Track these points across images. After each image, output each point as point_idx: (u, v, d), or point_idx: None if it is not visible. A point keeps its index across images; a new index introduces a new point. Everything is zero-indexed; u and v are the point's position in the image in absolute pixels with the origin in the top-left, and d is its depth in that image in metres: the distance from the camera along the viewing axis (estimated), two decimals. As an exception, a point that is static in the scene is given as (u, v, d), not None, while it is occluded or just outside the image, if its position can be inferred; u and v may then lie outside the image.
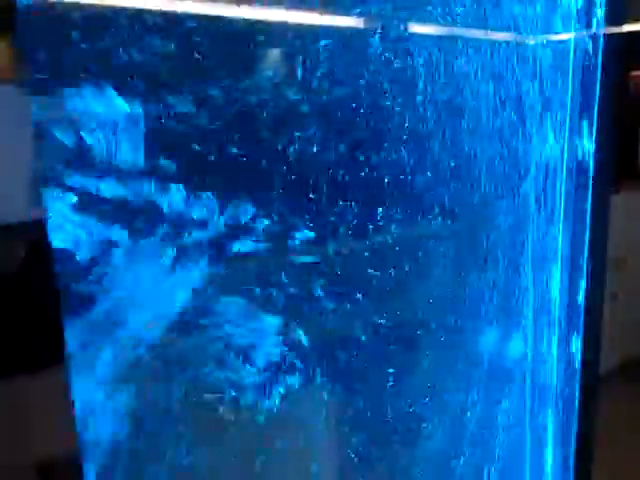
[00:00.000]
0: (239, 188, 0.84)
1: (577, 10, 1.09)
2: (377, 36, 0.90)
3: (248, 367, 0.89)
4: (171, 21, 0.74)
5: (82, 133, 0.70)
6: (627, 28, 1.08)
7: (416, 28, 0.91)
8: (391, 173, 0.96)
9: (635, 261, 2.38)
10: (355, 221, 0.94)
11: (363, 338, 1.00)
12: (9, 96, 0.64)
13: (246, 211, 0.84)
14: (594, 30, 1.07)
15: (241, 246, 0.84)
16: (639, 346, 2.38)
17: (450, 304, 1.09)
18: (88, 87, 0.69)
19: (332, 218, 0.92)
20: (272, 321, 0.90)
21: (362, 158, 0.93)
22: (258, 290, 0.87)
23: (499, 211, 1.13)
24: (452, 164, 1.04)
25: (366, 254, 0.98)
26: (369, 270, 0.98)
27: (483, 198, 1.09)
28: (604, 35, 1.08)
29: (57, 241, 0.68)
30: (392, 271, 1.01)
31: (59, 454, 0.68)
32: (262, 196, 0.85)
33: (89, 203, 0.71)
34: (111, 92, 0.70)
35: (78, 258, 0.71)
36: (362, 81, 0.90)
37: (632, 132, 2.19)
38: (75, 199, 0.70)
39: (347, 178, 0.92)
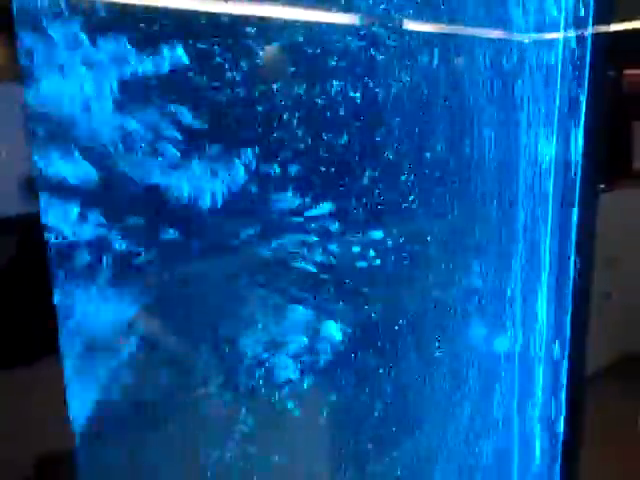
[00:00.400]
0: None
1: (566, 9, 1.10)
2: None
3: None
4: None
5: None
6: (616, 27, 1.09)
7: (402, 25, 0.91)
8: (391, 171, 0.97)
9: (629, 260, 2.39)
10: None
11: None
12: (5, 94, 0.65)
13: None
14: (583, 29, 1.08)
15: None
16: (633, 345, 2.39)
17: (438, 301, 1.10)
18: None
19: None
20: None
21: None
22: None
23: (487, 210, 1.14)
24: (441, 161, 1.05)
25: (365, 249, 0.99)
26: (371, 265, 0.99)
27: (470, 196, 1.10)
28: (593, 34, 1.08)
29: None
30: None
31: (54, 448, 0.68)
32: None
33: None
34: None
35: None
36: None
37: (626, 130, 2.19)
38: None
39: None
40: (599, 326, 1.34)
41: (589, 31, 1.08)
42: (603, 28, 1.08)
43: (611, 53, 1.14)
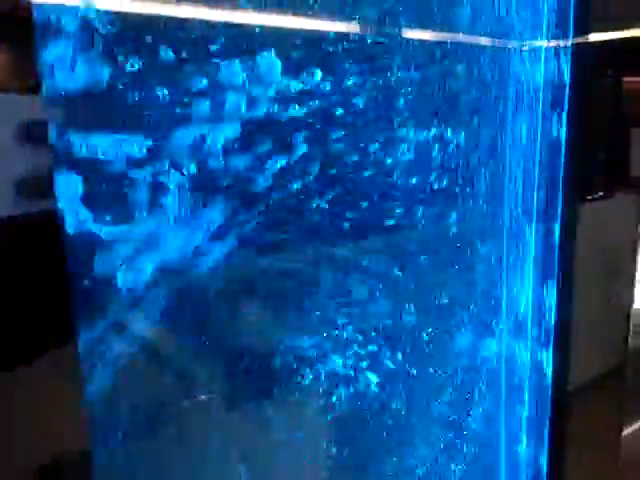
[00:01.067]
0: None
1: (549, 16, 1.11)
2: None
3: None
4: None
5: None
6: (598, 37, 1.10)
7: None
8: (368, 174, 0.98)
9: (627, 265, 2.38)
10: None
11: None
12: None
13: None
14: (568, 38, 1.09)
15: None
16: (630, 351, 2.38)
17: (421, 307, 1.10)
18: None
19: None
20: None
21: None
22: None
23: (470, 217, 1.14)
24: (426, 169, 1.05)
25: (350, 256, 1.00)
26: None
27: (453, 206, 1.10)
28: (577, 43, 1.09)
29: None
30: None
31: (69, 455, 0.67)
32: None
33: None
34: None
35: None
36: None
37: (624, 137, 2.18)
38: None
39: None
40: (597, 332, 1.34)
41: (572, 40, 1.09)
42: (586, 37, 1.09)
43: (602, 61, 1.15)
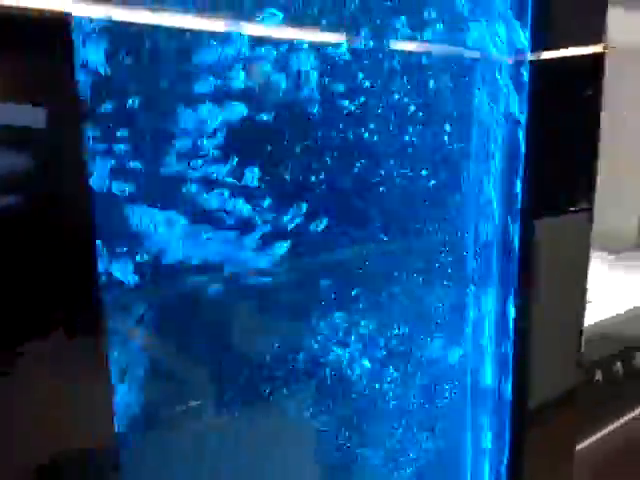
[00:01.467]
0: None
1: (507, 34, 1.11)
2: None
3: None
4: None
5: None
6: (552, 54, 1.10)
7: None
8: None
9: (580, 281, 2.40)
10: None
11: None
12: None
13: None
14: (523, 54, 1.09)
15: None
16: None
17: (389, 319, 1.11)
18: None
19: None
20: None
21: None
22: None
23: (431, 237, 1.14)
24: (391, 182, 1.05)
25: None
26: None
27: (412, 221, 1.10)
28: (534, 60, 1.10)
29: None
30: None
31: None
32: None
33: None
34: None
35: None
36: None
37: (580, 153, 2.17)
38: None
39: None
40: (553, 348, 1.35)
41: (530, 57, 1.09)
42: (542, 54, 1.10)
43: (561, 76, 1.16)
